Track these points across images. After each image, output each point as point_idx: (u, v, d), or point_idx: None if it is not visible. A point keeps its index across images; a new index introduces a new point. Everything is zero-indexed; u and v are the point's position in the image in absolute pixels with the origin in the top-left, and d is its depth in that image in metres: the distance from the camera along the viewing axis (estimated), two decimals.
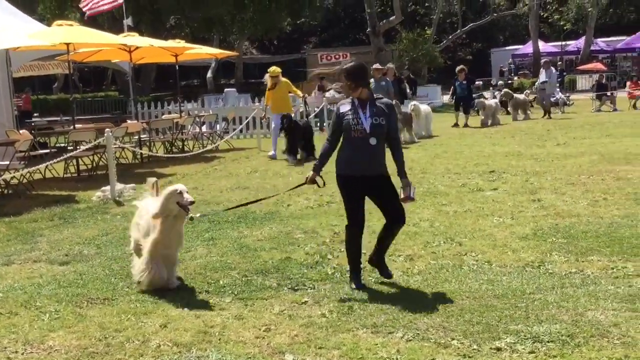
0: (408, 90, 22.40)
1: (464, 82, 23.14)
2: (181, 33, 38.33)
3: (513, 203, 9.58)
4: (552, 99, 28.52)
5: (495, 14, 48.96)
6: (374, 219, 7.53)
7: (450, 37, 48.82)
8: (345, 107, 6.35)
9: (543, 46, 49.16)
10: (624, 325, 5.07)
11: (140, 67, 36.54)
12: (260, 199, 8.29)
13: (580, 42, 48.51)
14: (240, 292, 6.27)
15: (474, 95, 24.99)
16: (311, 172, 6.53)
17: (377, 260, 6.54)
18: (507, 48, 53.72)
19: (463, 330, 5.13)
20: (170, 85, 45.96)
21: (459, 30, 48.18)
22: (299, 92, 17.60)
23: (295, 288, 6.35)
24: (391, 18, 42.05)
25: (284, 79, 16.88)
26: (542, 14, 52.05)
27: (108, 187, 11.59)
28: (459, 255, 7.21)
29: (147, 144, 18.08)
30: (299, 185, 7.04)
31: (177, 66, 21.60)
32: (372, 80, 17.40)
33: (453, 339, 4.98)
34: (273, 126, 17.05)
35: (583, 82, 41.70)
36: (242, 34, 45.12)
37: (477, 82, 29.65)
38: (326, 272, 6.82)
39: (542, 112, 25.58)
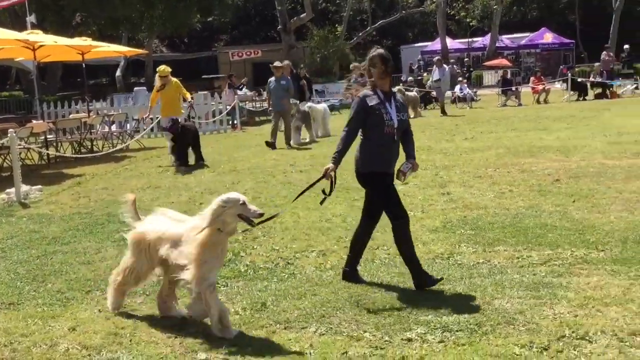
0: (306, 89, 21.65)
1: (359, 78, 23.04)
2: (88, 31, 37.51)
3: (423, 197, 9.76)
4: (461, 94, 29.20)
5: (403, 12, 49.73)
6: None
7: (360, 34, 49.29)
8: (372, 100, 6.03)
9: (451, 43, 50.07)
10: (529, 312, 5.23)
11: (46, 65, 35.59)
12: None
13: (486, 39, 49.65)
14: (152, 292, 6.17)
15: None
16: (330, 165, 6.11)
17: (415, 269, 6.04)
18: (416, 45, 54.46)
19: (375, 322, 5.20)
20: (77, 84, 44.93)
21: (369, 28, 48.76)
22: (188, 95, 16.04)
23: None
24: (302, 15, 42.23)
25: (174, 79, 15.52)
26: (449, 11, 53.08)
27: (13, 190, 11.23)
28: (371, 249, 7.28)
29: (54, 144, 17.60)
30: (317, 181, 6.37)
31: (84, 64, 21.11)
32: (271, 79, 17.26)
33: (365, 332, 5.04)
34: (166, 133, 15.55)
35: (489, 77, 42.75)
36: (151, 31, 44.40)
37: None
38: (239, 269, 6.80)
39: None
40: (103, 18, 38.22)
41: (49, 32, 23.01)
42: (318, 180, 6.28)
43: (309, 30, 45.35)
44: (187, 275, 5.06)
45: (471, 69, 43.82)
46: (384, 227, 8.14)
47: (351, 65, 24.22)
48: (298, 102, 18.68)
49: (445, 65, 26.92)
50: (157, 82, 15.65)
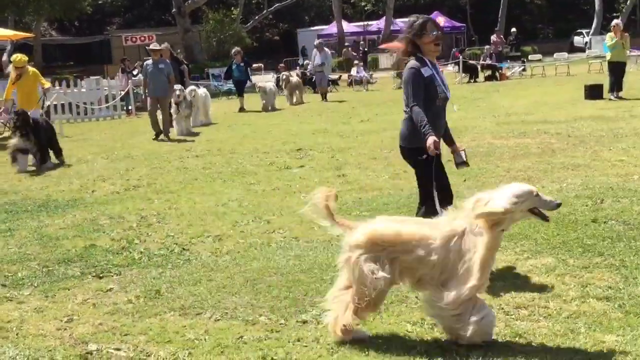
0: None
1: (241, 64, 22.43)
2: None
3: (319, 179, 9.80)
4: (357, 77, 29.48)
5: None
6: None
7: (257, 17, 49.06)
8: (426, 70, 5.67)
9: (347, 26, 50.48)
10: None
11: None
12: None
13: (381, 23, 50.28)
14: (41, 283, 5.97)
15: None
16: (430, 137, 5.48)
17: None
18: (312, 28, 54.61)
19: (270, 306, 5.19)
20: None
21: (265, 11, 48.58)
22: (47, 83, 14.26)
23: (100, 275, 6.14)
24: None
25: (31, 69, 13.97)
26: None
27: None
28: (267, 233, 7.28)
29: None
30: (432, 161, 5.69)
31: None
32: (148, 61, 16.10)
33: (261, 315, 5.02)
34: None
35: (384, 60, 43.32)
36: (39, 14, 42.87)
37: (254, 65, 28.30)
38: (133, 257, 6.66)
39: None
40: None
41: None
42: (432, 159, 5.68)
43: (205, 13, 44.83)
44: (459, 290, 4.18)
45: (367, 52, 44.28)
46: (280, 209, 8.17)
47: (233, 50, 23.36)
48: (182, 88, 17.25)
49: (326, 49, 26.18)
50: (12, 73, 13.98)
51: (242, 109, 21.54)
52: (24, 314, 5.28)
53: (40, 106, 13.80)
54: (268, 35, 61.39)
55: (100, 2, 50.81)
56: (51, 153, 12.77)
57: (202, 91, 19.05)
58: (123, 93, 22.55)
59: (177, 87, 16.68)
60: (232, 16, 43.85)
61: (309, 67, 31.81)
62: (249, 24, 46.80)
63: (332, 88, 28.96)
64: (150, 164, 12.06)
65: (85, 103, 22.05)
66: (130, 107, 22.86)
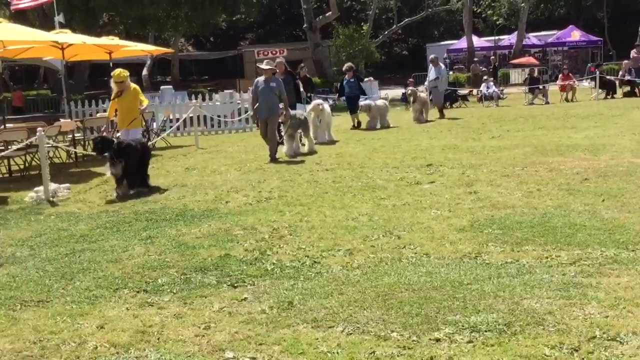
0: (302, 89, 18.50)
1: (352, 80, 21.67)
2: (115, 30, 37.81)
3: (450, 195, 9.69)
4: (487, 93, 29.03)
5: (429, 10, 49.53)
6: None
7: (386, 32, 49.21)
8: None
9: (477, 41, 49.89)
10: (558, 312, 5.17)
11: (74, 64, 35.85)
12: None
13: (512, 37, 49.38)
14: (179, 290, 6.19)
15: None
16: None
17: None
18: (442, 43, 54.34)
19: (402, 322, 5.16)
20: (104, 83, 45.10)
21: (394, 26, 48.66)
22: (145, 101, 13.13)
23: (235, 285, 6.30)
24: (327, 14, 42.23)
25: (133, 85, 13.10)
26: (475, 9, 52.84)
27: (41, 188, 11.34)
28: (397, 248, 7.26)
29: (82, 142, 17.74)
30: None
31: (111, 64, 21.22)
32: (259, 79, 15.02)
33: (392, 331, 5.00)
34: None
35: (516, 76, 42.51)
36: (177, 30, 44.64)
37: (365, 80, 26.45)
38: (266, 268, 6.79)
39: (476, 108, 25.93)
40: (130, 17, 38.47)
41: (77, 32, 23.19)
42: None
43: (335, 28, 45.39)
44: None
45: (497, 68, 43.56)
46: (410, 225, 8.14)
47: (345, 66, 22.64)
48: (321, 102, 17.15)
49: (441, 64, 25.54)
50: (114, 89, 12.95)
51: (356, 126, 21.19)
52: (164, 319, 5.48)
53: (139, 125, 13.23)
54: (397, 50, 61.52)
55: (234, 18, 52.23)
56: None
57: (327, 106, 18.44)
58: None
59: (318, 101, 17.11)
60: (362, 31, 44.15)
61: (425, 83, 31.69)
62: (378, 39, 47.03)
63: (461, 103, 28.74)
64: (281, 176, 12.28)
65: (219, 116, 22.76)
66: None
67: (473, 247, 7.12)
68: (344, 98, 22.56)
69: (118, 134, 12.64)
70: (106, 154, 11.39)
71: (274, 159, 14.42)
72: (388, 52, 55.16)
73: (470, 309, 5.34)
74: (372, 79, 29.19)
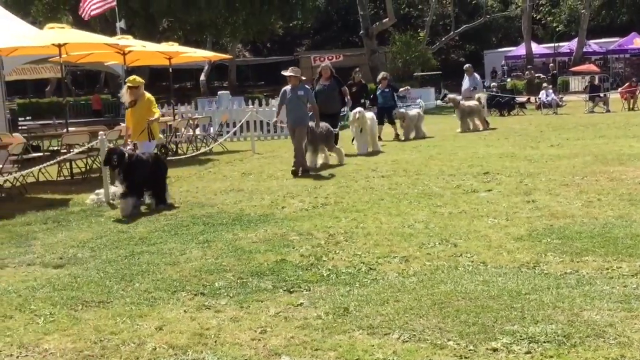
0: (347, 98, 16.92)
1: (387, 90, 20.44)
2: (174, 36, 38.37)
3: (508, 204, 9.59)
4: (546, 100, 28.64)
5: (488, 16, 49.07)
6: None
7: (443, 39, 48.96)
8: None
9: (536, 48, 49.29)
10: (620, 325, 5.07)
11: (133, 69, 36.46)
12: None
13: (572, 44, 48.65)
14: (236, 294, 6.25)
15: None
16: None
17: None
18: (500, 50, 53.81)
19: (459, 331, 5.13)
20: (163, 88, 45.90)
21: (452, 32, 48.33)
22: (157, 112, 11.94)
23: (291, 290, 6.33)
24: (384, 20, 42.20)
25: (147, 94, 11.96)
26: (534, 15, 52.20)
27: (102, 190, 11.56)
28: (454, 256, 7.21)
29: None
30: None
31: (170, 69, 21.56)
32: (286, 88, 14.05)
33: (449, 340, 4.97)
34: None
35: (576, 83, 41.84)
36: (235, 36, 45.09)
37: (400, 90, 24.24)
38: (321, 273, 6.81)
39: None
40: (189, 23, 39.00)
41: (137, 38, 23.56)
42: None
43: (391, 35, 45.30)
44: None
45: (556, 75, 42.97)
46: (467, 233, 8.08)
47: (380, 76, 21.15)
48: (361, 110, 16.32)
49: (475, 74, 24.13)
50: (126, 97, 11.90)
51: (397, 136, 20.08)
52: (221, 322, 5.54)
53: (146, 137, 11.86)
54: (454, 56, 61.08)
55: (291, 24, 52.56)
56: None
57: (369, 115, 17.29)
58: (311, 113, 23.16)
59: (358, 109, 16.26)
60: (419, 38, 43.98)
61: (493, 88, 31.32)
62: (435, 46, 46.78)
63: (519, 111, 28.42)
64: (336, 182, 12.30)
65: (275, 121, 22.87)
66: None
67: (531, 256, 7.03)
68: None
69: (128, 147, 11.82)
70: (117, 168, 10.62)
71: (298, 172, 13.39)
72: (445, 59, 54.81)
73: (529, 319, 5.27)
74: (408, 88, 27.82)
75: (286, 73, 13.97)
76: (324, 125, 14.62)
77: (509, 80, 42.56)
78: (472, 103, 21.99)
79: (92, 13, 24.40)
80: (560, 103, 29.45)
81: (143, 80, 11.95)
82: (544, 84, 32.19)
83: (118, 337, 5.30)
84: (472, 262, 6.97)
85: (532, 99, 31.97)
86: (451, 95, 23.55)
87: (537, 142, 17.05)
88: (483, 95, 23.00)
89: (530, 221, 8.54)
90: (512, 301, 5.70)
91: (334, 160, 14.95)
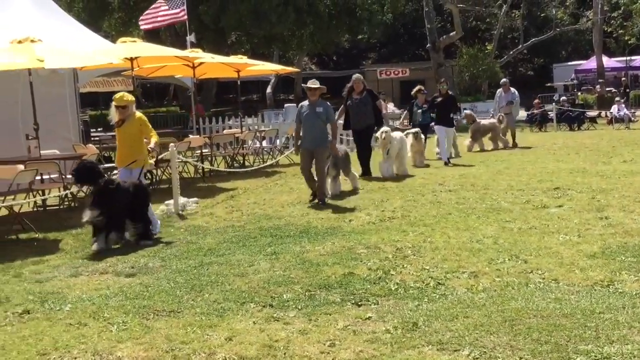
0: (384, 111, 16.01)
1: (425, 105, 18.64)
2: (241, 49, 38.80)
3: (579, 220, 9.40)
4: (618, 115, 28.03)
5: (557, 29, 48.30)
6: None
7: (511, 52, 48.36)
8: None
9: (607, 61, 48.26)
10: None
11: (202, 82, 37.07)
12: None
13: None
14: (304, 306, 6.27)
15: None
16: None
17: None
18: (569, 63, 52.88)
19: (531, 349, 5.04)
20: (230, 100, 46.53)
21: (520, 46, 47.70)
22: (155, 136, 10.34)
23: (359, 303, 6.32)
24: (451, 34, 41.90)
25: (138, 114, 10.37)
26: (605, 28, 51.15)
27: (171, 201, 11.75)
28: (524, 272, 7.10)
29: (209, 158, 18.29)
30: None
31: (239, 82, 21.82)
32: (304, 103, 12.48)
33: (521, 358, 4.89)
34: None
35: None
36: (301, 49, 45.41)
37: (465, 111, 23.19)
38: (389, 287, 6.78)
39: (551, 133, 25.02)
40: (257, 37, 39.43)
41: (206, 51, 23.93)
42: None
43: (458, 48, 44.99)
44: None
45: (628, 89, 42.01)
46: (537, 250, 7.94)
47: (415, 89, 19.32)
48: (388, 130, 14.99)
49: (512, 89, 22.20)
50: (114, 116, 10.33)
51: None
52: (290, 334, 5.56)
53: (143, 164, 10.35)
54: (522, 70, 60.30)
55: (357, 38, 52.67)
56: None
57: (397, 135, 15.61)
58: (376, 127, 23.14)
59: (383, 128, 14.85)
60: (486, 51, 43.57)
61: (562, 100, 30.78)
62: (503, 59, 46.25)
63: (589, 125, 27.89)
64: (404, 196, 12.24)
65: (341, 134, 22.91)
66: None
67: (605, 274, 6.87)
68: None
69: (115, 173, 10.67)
70: (88, 187, 9.38)
71: (322, 200, 11.86)
72: (512, 72, 54.09)
73: (603, 339, 5.15)
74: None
75: (308, 84, 12.34)
76: (342, 148, 13.60)
77: (579, 94, 41.75)
78: (489, 121, 21.38)
79: (159, 24, 24.78)
80: (633, 118, 28.75)
81: (132, 98, 10.37)
82: (616, 98, 31.49)
83: (189, 346, 5.37)
84: (544, 279, 6.85)
85: (603, 113, 31.30)
86: (468, 112, 22.56)
87: (609, 157, 16.68)
88: (512, 113, 21.58)
89: (603, 238, 8.35)
90: (585, 320, 5.58)
91: (347, 186, 13.45)
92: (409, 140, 16.42)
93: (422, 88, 19.43)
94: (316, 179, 12.07)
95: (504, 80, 23.00)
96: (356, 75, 15.34)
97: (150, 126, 10.42)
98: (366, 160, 15.38)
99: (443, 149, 17.36)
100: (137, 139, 10.22)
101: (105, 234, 9.23)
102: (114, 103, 10.24)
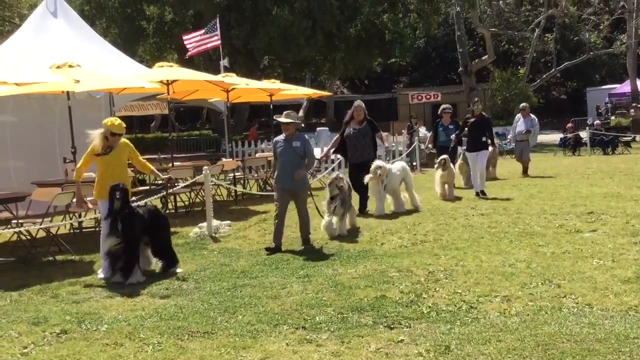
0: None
1: (450, 126, 17.78)
2: (274, 73, 39.12)
3: (613, 245, 9.34)
4: None
5: (591, 53, 48.04)
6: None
7: (544, 76, 48.15)
8: None
9: None
10: None
11: (234, 106, 37.43)
12: None
13: None
14: (337, 329, 6.31)
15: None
16: None
17: None
18: (603, 87, 52.52)
19: None
20: (262, 124, 46.82)
21: (553, 69, 47.48)
22: (149, 165, 9.92)
23: (391, 326, 6.35)
24: (484, 57, 41.92)
25: (124, 140, 9.45)
26: None
27: (205, 224, 11.87)
28: (557, 297, 7.08)
29: (241, 181, 18.43)
30: None
31: (271, 106, 21.99)
32: (278, 138, 10.95)
33: None
34: (102, 224, 9.38)
35: None
36: (333, 74, 45.64)
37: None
38: (422, 310, 6.80)
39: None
40: (288, 61, 39.72)
41: (239, 75, 24.21)
42: None
43: (490, 72, 44.93)
44: None
45: None
46: (571, 274, 7.90)
47: (441, 108, 18.37)
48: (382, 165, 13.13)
49: (532, 115, 20.78)
50: (100, 143, 9.22)
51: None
52: (323, 356, 5.60)
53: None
54: (554, 94, 60.00)
55: (389, 62, 52.82)
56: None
57: (398, 166, 14.08)
58: (409, 150, 23.22)
59: (378, 162, 13.21)
60: (519, 75, 43.44)
61: (595, 123, 30.56)
62: (535, 83, 46.05)
63: (623, 150, 27.66)
64: (436, 219, 12.24)
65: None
66: (414, 164, 23.45)
67: (639, 299, 6.82)
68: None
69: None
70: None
71: (307, 241, 10.79)
72: (545, 96, 53.83)
73: None
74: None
75: (280, 119, 10.84)
76: (346, 181, 11.92)
77: (612, 118, 41.40)
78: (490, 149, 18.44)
79: (194, 51, 25.17)
80: None
81: (123, 125, 9.34)
82: None
83: None
84: (577, 303, 6.82)
85: (638, 137, 31.00)
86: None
87: None
88: (528, 140, 20.18)
89: (638, 263, 8.29)
90: (619, 345, 5.55)
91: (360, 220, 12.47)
92: (438, 171, 15.29)
93: (447, 107, 18.44)
94: (298, 221, 10.95)
95: (523, 105, 21.48)
96: (357, 102, 14.14)
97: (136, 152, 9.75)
98: (364, 196, 13.79)
99: (475, 178, 15.54)
100: (124, 166, 9.55)
101: (129, 267, 8.73)
102: (110, 130, 9.15)
